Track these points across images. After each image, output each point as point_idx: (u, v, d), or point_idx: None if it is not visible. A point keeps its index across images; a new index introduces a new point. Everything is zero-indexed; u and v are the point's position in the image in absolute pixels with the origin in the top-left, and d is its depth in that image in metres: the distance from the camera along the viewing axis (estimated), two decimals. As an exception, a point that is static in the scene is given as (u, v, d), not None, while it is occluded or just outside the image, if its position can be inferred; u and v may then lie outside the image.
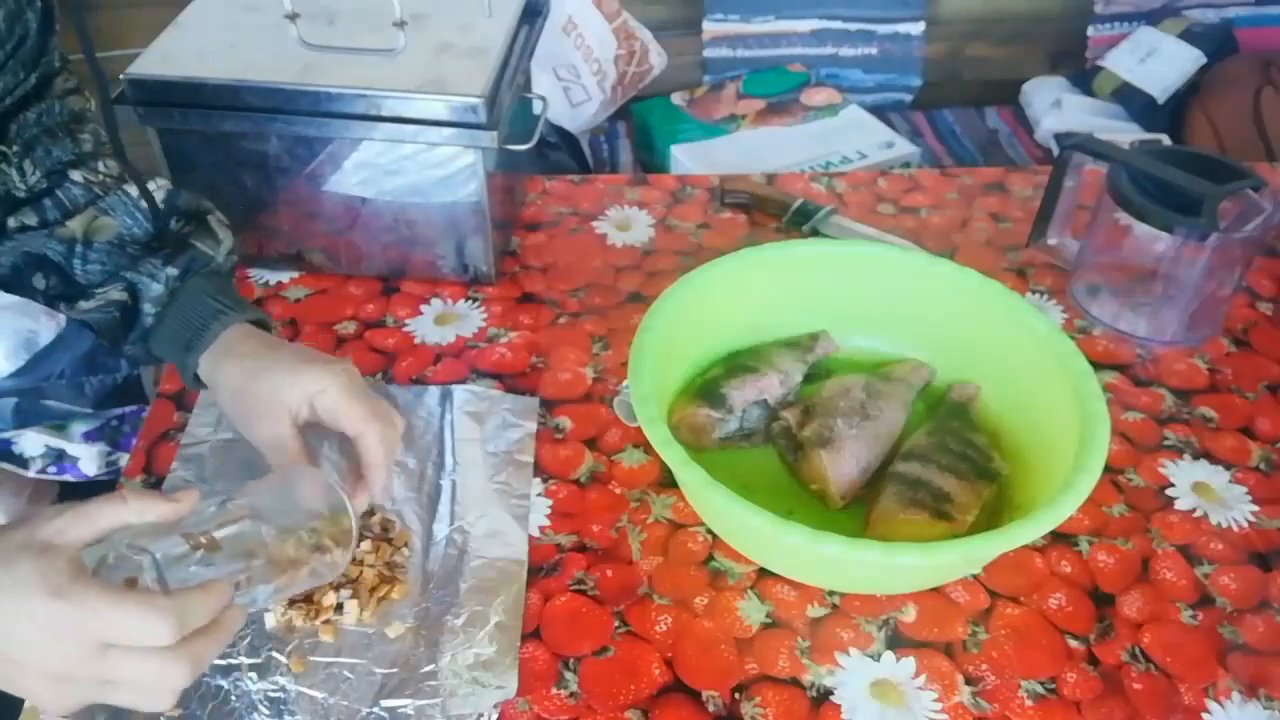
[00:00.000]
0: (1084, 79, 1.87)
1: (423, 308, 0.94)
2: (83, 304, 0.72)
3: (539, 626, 0.69)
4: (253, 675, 0.64)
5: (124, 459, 1.21)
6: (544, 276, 0.98)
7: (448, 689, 0.64)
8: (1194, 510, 0.77)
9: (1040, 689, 0.66)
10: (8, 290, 0.74)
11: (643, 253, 1.01)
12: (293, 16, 0.86)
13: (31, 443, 1.19)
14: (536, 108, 1.01)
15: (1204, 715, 0.65)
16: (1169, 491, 0.79)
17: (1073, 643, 0.68)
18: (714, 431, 0.78)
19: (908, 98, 1.95)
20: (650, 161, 1.75)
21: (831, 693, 0.65)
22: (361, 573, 0.69)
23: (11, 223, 0.71)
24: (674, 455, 0.65)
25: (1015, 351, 0.78)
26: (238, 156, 0.88)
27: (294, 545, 0.58)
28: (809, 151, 1.65)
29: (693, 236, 1.04)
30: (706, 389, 0.79)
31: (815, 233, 1.02)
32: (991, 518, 0.73)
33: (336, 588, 0.68)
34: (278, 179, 0.90)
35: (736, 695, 0.65)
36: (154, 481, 0.77)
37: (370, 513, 0.74)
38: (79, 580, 0.47)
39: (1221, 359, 0.91)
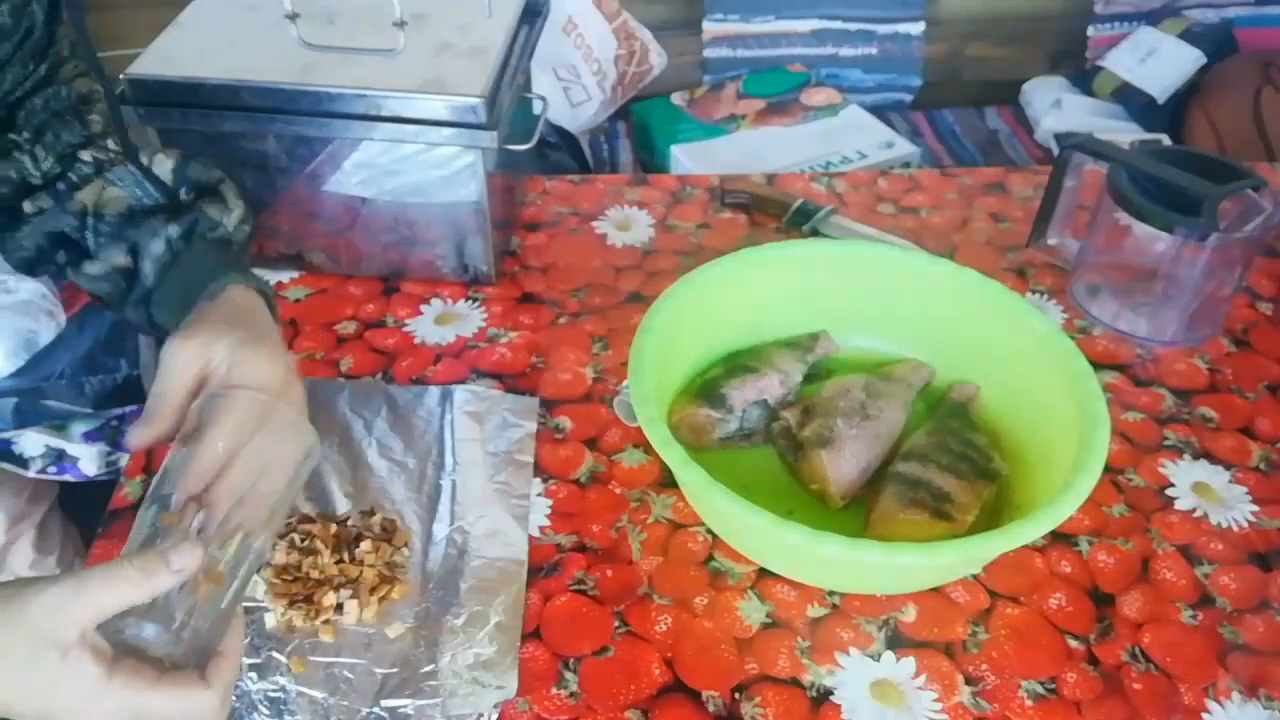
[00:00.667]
0: (1084, 79, 1.87)
1: (423, 308, 0.94)
2: (88, 266, 0.70)
3: (539, 626, 0.69)
4: (253, 675, 0.64)
5: (124, 459, 1.21)
6: (544, 276, 0.98)
7: (448, 689, 0.64)
8: (1194, 510, 0.77)
9: (1040, 689, 0.66)
10: (31, 272, 0.74)
11: (643, 253, 1.01)
12: (293, 16, 0.86)
13: (31, 443, 1.19)
14: (536, 108, 1.01)
15: (1204, 715, 0.65)
16: (1169, 491, 0.79)
17: (1073, 643, 0.68)
18: (714, 431, 0.78)
19: (908, 98, 1.95)
20: (650, 161, 1.75)
21: (831, 693, 0.65)
22: (361, 573, 0.69)
23: (29, 208, 0.71)
24: (674, 455, 0.65)
25: (1015, 351, 0.78)
26: (237, 156, 0.88)
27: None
28: (809, 151, 1.65)
29: (693, 236, 1.04)
30: (706, 389, 0.79)
31: (815, 233, 1.02)
32: (991, 518, 0.73)
33: (337, 588, 0.68)
34: (278, 179, 0.90)
35: (736, 695, 0.65)
36: (154, 481, 0.77)
37: (370, 513, 0.74)
38: (116, 677, 0.47)
39: (1221, 359, 0.91)
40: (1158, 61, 1.79)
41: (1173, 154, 0.91)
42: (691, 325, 0.79)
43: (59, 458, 1.20)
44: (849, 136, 1.68)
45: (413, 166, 0.88)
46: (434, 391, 0.84)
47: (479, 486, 0.76)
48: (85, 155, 0.71)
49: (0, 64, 0.67)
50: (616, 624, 0.69)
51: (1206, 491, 0.79)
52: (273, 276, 0.97)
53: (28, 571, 1.22)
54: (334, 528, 0.71)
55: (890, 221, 1.06)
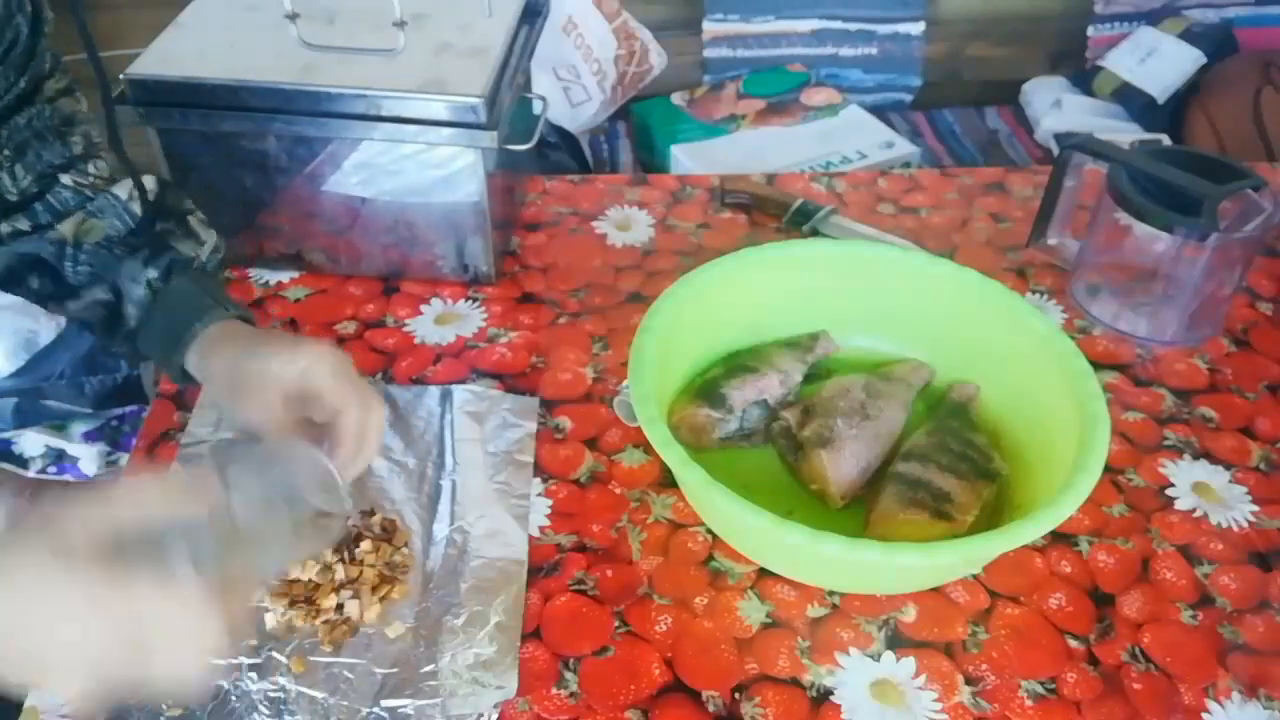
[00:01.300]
0: (1084, 79, 1.88)
1: (423, 308, 0.94)
2: (71, 305, 0.73)
3: (539, 626, 0.69)
4: (253, 675, 0.64)
5: (124, 459, 1.21)
6: (544, 276, 0.98)
7: (448, 689, 0.64)
8: (1194, 510, 0.77)
9: (1040, 689, 0.66)
10: (3, 290, 0.74)
11: (643, 253, 1.01)
12: (293, 16, 0.86)
13: (31, 443, 1.19)
14: (536, 108, 1.01)
15: (1204, 715, 0.65)
16: (1169, 491, 0.79)
17: (1073, 643, 0.68)
18: (714, 431, 0.78)
19: (908, 98, 1.95)
20: (650, 161, 1.75)
21: (831, 693, 0.65)
22: (361, 573, 0.69)
23: (4, 228, 0.71)
24: (674, 455, 0.65)
25: (1015, 351, 0.78)
26: (238, 156, 0.88)
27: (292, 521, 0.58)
28: (809, 151, 1.65)
29: (693, 236, 1.04)
30: (706, 389, 0.79)
31: (815, 233, 1.02)
32: (991, 518, 0.73)
33: (337, 588, 0.68)
34: (278, 179, 0.90)
35: (736, 695, 0.65)
36: (154, 481, 0.77)
37: (370, 513, 0.74)
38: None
39: (1221, 359, 0.91)
40: (1158, 61, 1.79)
41: (1173, 154, 0.91)
42: (691, 325, 0.79)
43: (59, 458, 1.21)
44: (849, 136, 1.68)
45: (413, 166, 0.88)
46: (434, 391, 0.84)
47: (479, 486, 0.76)
48: (65, 179, 0.72)
49: None
50: (616, 624, 0.69)
51: (1206, 491, 0.79)
52: (273, 276, 0.97)
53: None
54: (334, 528, 0.71)
55: (890, 221, 1.06)
